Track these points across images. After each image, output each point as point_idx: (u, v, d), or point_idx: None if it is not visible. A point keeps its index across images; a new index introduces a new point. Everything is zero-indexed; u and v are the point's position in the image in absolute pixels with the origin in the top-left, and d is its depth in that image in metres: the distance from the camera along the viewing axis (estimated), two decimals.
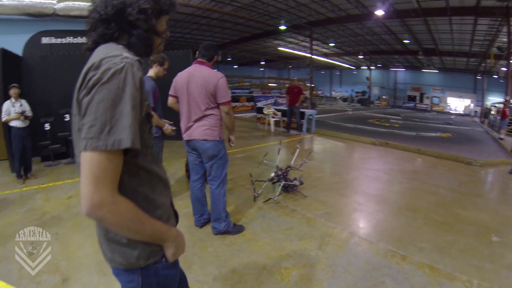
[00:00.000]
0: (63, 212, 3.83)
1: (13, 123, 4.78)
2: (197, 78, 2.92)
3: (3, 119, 4.75)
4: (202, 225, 3.55)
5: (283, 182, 4.48)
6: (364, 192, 4.80)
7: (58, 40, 6.93)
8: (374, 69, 31.80)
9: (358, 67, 34.07)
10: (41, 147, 5.87)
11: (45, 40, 6.80)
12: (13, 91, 4.81)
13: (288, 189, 4.59)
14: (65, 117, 6.07)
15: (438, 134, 11.18)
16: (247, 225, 3.70)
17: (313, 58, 22.12)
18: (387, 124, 13.97)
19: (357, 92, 34.64)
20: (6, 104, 4.79)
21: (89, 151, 0.78)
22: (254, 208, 4.20)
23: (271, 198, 4.32)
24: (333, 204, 4.29)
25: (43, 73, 6.20)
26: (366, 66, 31.14)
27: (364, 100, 30.88)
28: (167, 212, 1.08)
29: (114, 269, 1.05)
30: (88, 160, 0.79)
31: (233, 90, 21.38)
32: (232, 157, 7.01)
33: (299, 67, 35.04)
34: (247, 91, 22.28)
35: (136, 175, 0.95)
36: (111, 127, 0.79)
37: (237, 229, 3.51)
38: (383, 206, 4.24)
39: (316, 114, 11.45)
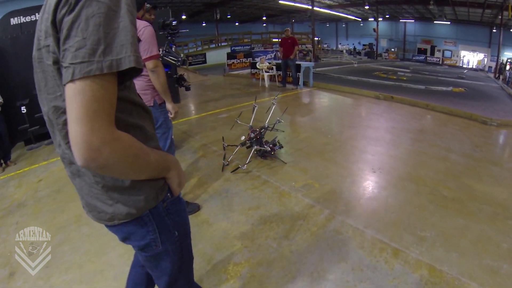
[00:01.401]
0: (29, 197, 3.37)
1: None
2: None
3: None
4: None
5: (255, 147, 3.63)
6: (358, 157, 3.92)
7: (27, 18, 6.48)
8: (381, 20, 29.01)
9: (364, 19, 31.12)
10: (20, 132, 5.46)
11: (14, 20, 6.37)
12: None
13: (265, 154, 3.75)
14: None
15: (450, 88, 9.90)
16: (205, 203, 2.98)
17: (316, 10, 20.06)
18: (394, 77, 12.51)
19: (364, 45, 32.26)
20: None
21: (79, 80, 0.60)
22: (220, 180, 3.42)
23: (239, 167, 3.50)
24: (317, 173, 3.46)
25: (15, 55, 5.81)
26: (373, 17, 28.50)
27: (371, 53, 28.74)
28: (158, 144, 0.95)
29: (120, 230, 0.90)
30: (78, 91, 0.60)
31: (233, 47, 20.39)
32: (214, 118, 6.15)
33: (303, 20, 32.36)
34: (248, 47, 20.86)
35: (125, 109, 0.79)
36: (106, 45, 0.62)
37: (190, 209, 2.85)
38: (380, 176, 3.38)
39: (315, 67, 10.24)
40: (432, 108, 6.44)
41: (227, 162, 3.71)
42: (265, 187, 3.18)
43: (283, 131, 4.27)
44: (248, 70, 13.47)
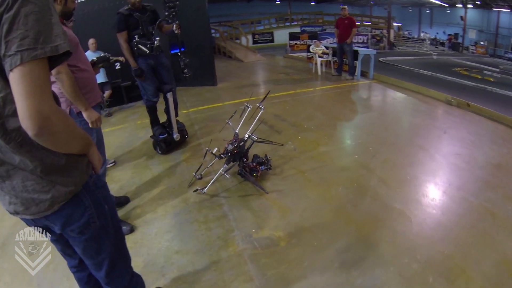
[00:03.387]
0: None
1: None
2: None
3: None
4: None
5: (225, 166, 2.45)
6: (378, 205, 2.37)
7: None
8: (470, 7, 22.99)
9: (452, 5, 24.94)
10: None
11: None
12: None
13: (245, 175, 2.54)
14: None
15: None
16: (144, 226, 2.12)
17: None
18: (479, 77, 9.33)
19: (449, 35, 26.47)
20: None
21: (27, 63, 0.67)
22: (178, 199, 2.42)
23: (197, 190, 2.40)
24: (299, 220, 2.14)
25: None
26: (462, 3, 22.81)
27: (456, 45, 23.39)
28: None
29: (60, 216, 0.88)
30: (26, 73, 0.67)
31: (303, 28, 18.38)
32: (235, 109, 4.95)
33: (382, 3, 27.90)
34: (320, 28, 18.56)
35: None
36: (45, 36, 0.70)
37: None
38: (399, 251, 1.90)
39: (386, 55, 8.08)
40: None
41: (200, 176, 2.64)
42: (216, 224, 2.04)
43: (282, 145, 2.97)
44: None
